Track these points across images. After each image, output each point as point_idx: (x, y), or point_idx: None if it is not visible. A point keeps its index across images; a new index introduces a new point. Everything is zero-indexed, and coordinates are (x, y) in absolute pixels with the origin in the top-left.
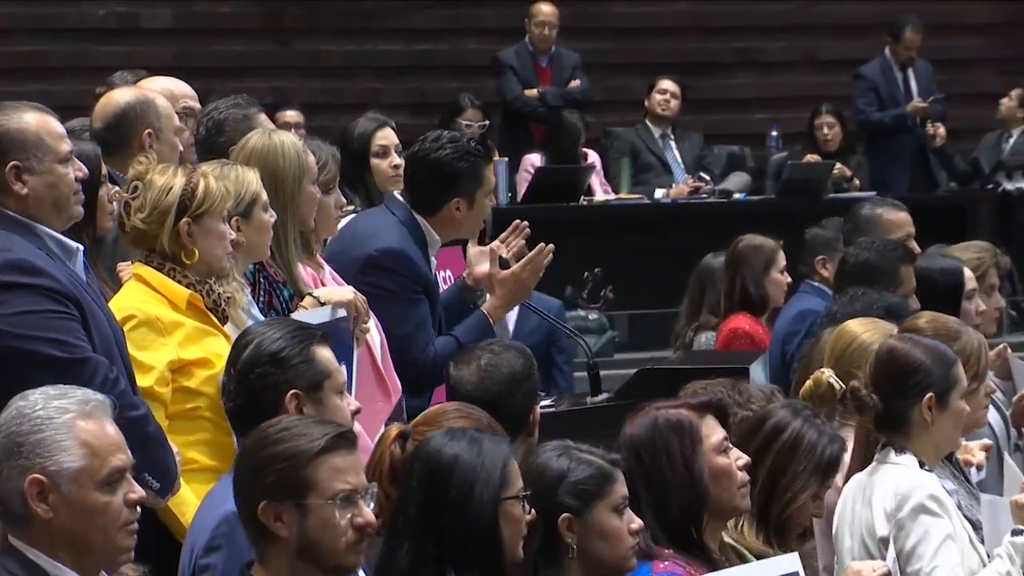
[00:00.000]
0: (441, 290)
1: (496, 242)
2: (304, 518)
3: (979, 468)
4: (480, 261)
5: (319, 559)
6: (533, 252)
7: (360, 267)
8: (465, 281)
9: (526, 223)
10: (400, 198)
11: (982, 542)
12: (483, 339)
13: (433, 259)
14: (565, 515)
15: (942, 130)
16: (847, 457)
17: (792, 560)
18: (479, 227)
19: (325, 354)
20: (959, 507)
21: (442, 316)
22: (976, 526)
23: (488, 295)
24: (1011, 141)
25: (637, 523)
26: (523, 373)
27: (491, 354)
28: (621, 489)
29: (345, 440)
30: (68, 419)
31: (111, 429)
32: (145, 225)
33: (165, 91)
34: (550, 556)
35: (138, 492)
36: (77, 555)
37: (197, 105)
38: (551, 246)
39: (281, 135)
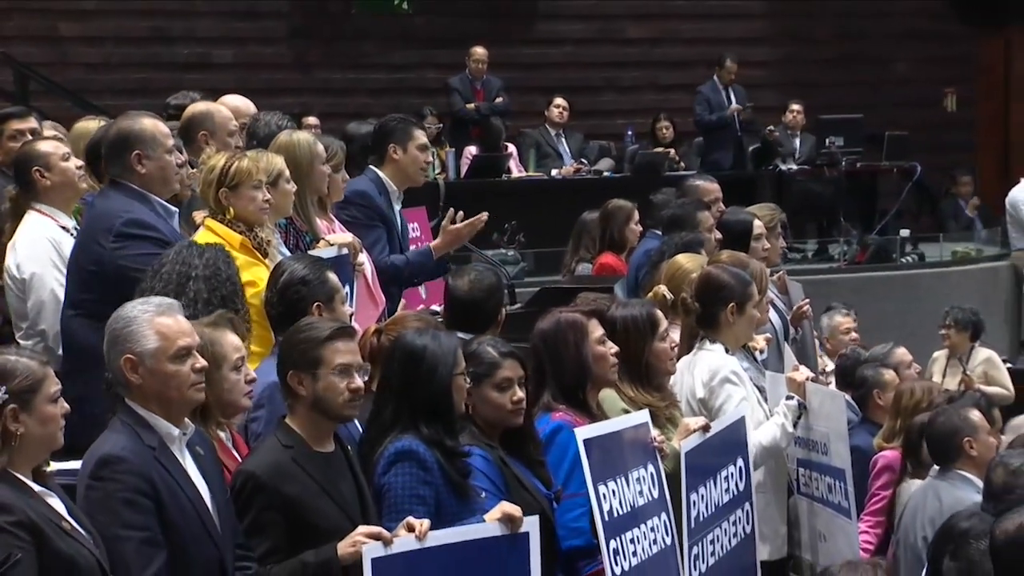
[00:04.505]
0: (410, 237)
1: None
2: (316, 382)
3: (761, 352)
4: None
5: (326, 411)
6: (473, 219)
7: (340, 204)
8: (431, 248)
9: (485, 215)
10: (373, 167)
11: (767, 401)
12: (424, 261)
13: (396, 205)
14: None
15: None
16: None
17: (643, 414)
18: (417, 172)
19: (333, 277)
20: (752, 379)
21: (401, 247)
22: (763, 391)
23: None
24: (797, 140)
25: (519, 396)
26: (497, 286)
27: (477, 272)
28: (504, 373)
29: (345, 332)
30: (147, 316)
31: (180, 320)
32: (201, 194)
33: (236, 106)
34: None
35: (201, 362)
36: (163, 407)
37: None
38: (485, 215)
39: (298, 134)
